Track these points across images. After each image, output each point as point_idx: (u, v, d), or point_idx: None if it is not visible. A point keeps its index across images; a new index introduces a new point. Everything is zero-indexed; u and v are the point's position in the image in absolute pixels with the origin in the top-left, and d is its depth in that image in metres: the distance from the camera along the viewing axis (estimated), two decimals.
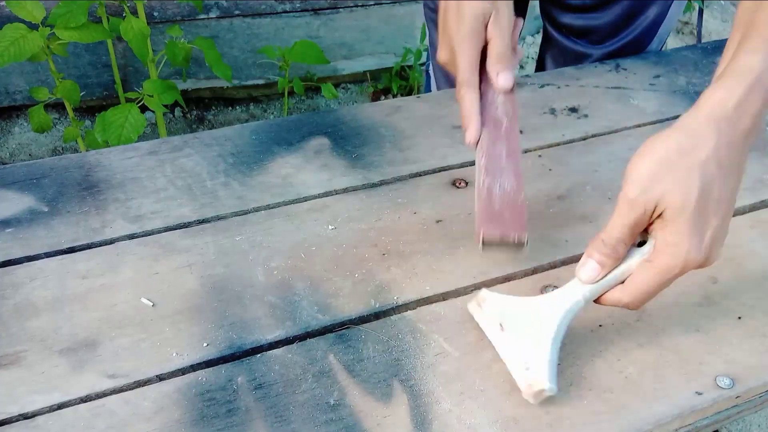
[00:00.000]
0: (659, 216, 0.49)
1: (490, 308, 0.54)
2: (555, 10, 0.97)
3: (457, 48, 0.60)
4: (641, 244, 0.51)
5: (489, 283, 0.60)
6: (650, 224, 0.50)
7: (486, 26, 0.60)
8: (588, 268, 0.51)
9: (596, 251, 0.51)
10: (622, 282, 0.51)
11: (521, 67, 2.10)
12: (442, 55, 0.63)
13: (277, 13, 1.82)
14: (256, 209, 0.67)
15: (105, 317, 0.56)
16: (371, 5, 1.87)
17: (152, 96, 1.43)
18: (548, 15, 0.99)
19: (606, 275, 0.51)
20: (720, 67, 0.52)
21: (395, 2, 1.89)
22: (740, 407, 0.54)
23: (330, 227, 0.66)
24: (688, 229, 0.47)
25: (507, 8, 0.61)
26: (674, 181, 0.48)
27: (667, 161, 0.48)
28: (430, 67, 1.10)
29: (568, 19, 0.96)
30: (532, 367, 0.50)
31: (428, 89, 1.12)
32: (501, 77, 0.61)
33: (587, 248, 0.51)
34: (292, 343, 0.55)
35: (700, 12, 2.31)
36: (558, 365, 0.51)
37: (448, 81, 1.04)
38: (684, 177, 0.47)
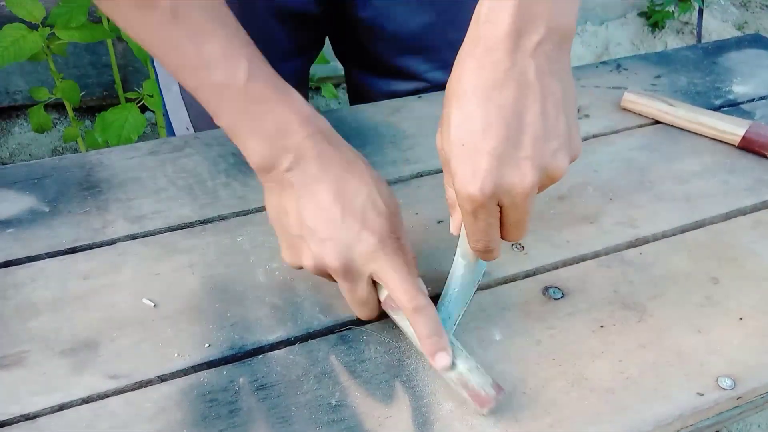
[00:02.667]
0: None
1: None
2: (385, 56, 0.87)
3: (381, 248, 0.50)
4: None
5: (490, 284, 0.60)
6: None
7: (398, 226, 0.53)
8: (451, 222, 0.53)
9: (450, 209, 0.52)
10: None
11: None
12: (332, 257, 0.50)
13: None
14: (258, 209, 0.67)
15: (106, 318, 0.56)
16: None
17: (152, 96, 1.43)
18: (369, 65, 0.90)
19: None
20: None
21: None
22: (742, 408, 0.54)
23: None
24: (461, 175, 0.44)
25: None
26: (443, 138, 0.46)
27: (442, 123, 0.47)
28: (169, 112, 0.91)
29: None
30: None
31: (170, 131, 0.92)
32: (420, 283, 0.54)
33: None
34: (294, 343, 0.55)
35: (700, 12, 2.32)
36: (466, 324, 0.56)
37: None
38: (445, 132, 0.45)
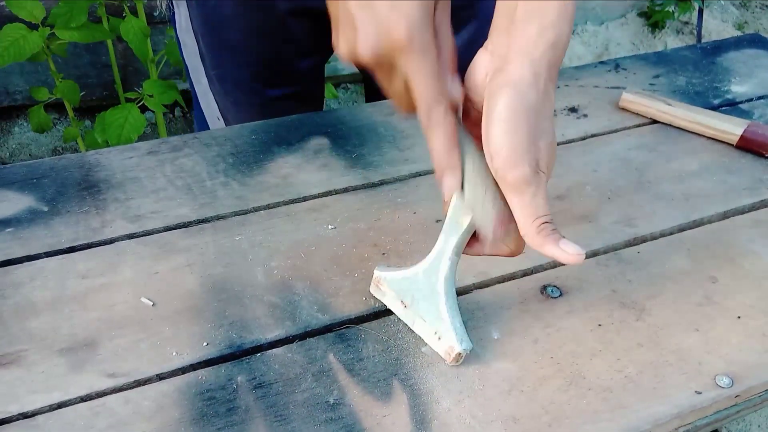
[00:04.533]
0: None
1: (387, 289, 0.57)
2: None
3: (407, 44, 0.44)
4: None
5: (489, 283, 0.60)
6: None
7: (434, 14, 0.46)
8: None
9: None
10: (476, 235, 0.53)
11: None
12: (364, 45, 0.45)
13: None
14: (256, 209, 0.68)
15: (105, 317, 0.56)
16: None
17: (152, 96, 1.43)
18: None
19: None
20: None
21: None
22: (740, 406, 0.54)
23: (330, 227, 0.66)
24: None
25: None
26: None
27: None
28: (198, 94, 0.91)
29: None
30: (442, 335, 0.53)
31: (202, 124, 0.93)
32: (454, 86, 0.49)
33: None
34: (292, 342, 0.55)
35: (700, 12, 2.32)
36: (465, 322, 0.54)
37: (236, 104, 0.86)
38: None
